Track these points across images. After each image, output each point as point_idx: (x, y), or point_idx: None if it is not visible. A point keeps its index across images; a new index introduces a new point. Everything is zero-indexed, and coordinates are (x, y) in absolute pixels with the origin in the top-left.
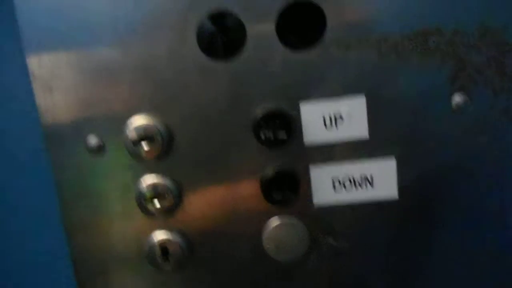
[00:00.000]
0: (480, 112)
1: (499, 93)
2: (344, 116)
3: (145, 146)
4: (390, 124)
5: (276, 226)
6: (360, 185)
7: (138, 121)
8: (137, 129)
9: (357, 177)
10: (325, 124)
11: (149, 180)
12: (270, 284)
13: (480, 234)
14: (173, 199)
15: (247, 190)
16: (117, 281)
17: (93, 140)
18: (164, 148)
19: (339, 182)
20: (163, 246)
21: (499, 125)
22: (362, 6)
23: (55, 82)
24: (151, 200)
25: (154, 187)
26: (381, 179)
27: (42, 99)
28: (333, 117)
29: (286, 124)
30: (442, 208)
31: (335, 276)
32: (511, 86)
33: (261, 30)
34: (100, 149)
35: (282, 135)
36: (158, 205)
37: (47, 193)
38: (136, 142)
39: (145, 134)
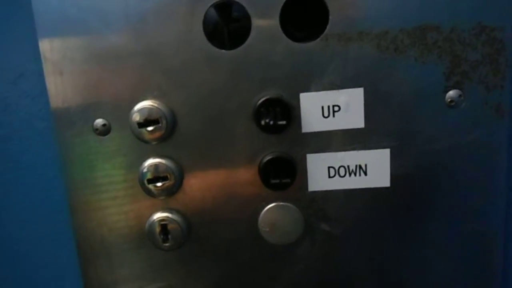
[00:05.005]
0: (473, 108)
1: (492, 90)
2: (342, 106)
3: (149, 128)
4: (385, 116)
5: (272, 210)
6: (354, 173)
7: (144, 104)
8: (142, 111)
9: (352, 165)
10: (323, 114)
11: (151, 161)
12: (263, 266)
13: (466, 226)
14: (174, 181)
15: (246, 174)
16: (118, 259)
17: (100, 122)
18: (167, 131)
19: (334, 169)
20: (163, 224)
21: (491, 121)
22: (364, 1)
23: (66, 65)
24: (152, 181)
25: (156, 168)
26: (375, 168)
27: (52, 81)
28: (331, 107)
29: (286, 111)
30: (431, 198)
31: (327, 261)
32: (504, 83)
33: (265, 21)
34: (106, 131)
35: (281, 122)
36: (159, 185)
37: (53, 172)
38: (141, 124)
39: (150, 117)
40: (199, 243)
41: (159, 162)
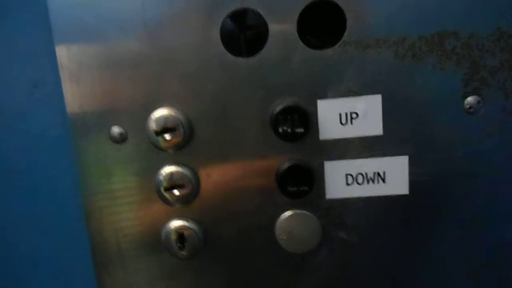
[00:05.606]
0: (491, 114)
1: (511, 96)
2: (359, 113)
3: (166, 136)
4: (403, 123)
5: (290, 218)
6: (372, 180)
7: (161, 112)
8: (159, 119)
9: (370, 172)
10: (340, 121)
11: (168, 169)
12: (280, 274)
13: (486, 234)
14: (191, 189)
15: (263, 182)
16: (133, 265)
17: (116, 130)
18: (184, 139)
19: (352, 177)
20: (180, 233)
21: (509, 128)
22: (381, 7)
23: (83, 73)
24: (169, 189)
25: (172, 176)
26: (393, 175)
27: (69, 89)
28: (348, 114)
29: (303, 119)
30: (450, 205)
31: (344, 269)
32: None
33: (282, 28)
34: (122, 138)
35: (299, 129)
36: (176, 193)
37: (69, 178)
38: (158, 132)
39: (167, 125)
40: (215, 251)
41: (176, 170)
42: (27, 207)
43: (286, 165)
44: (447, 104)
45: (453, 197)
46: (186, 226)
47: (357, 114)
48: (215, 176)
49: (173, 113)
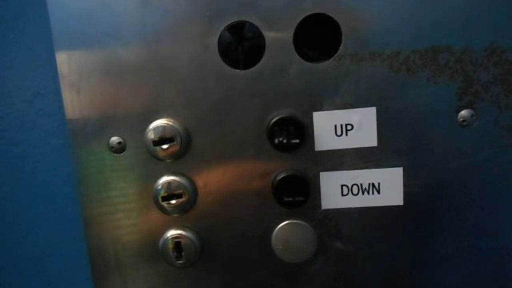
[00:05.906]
0: (485, 128)
1: (504, 110)
2: (354, 125)
3: (164, 146)
4: (398, 135)
5: (285, 228)
6: (367, 191)
7: (159, 122)
8: (157, 129)
9: (365, 183)
10: (336, 132)
11: (165, 178)
12: (276, 283)
13: (479, 245)
14: (188, 198)
15: (259, 192)
16: (131, 275)
17: (115, 139)
18: (181, 149)
19: (347, 188)
20: (177, 241)
21: (502, 141)
22: (376, 21)
23: (82, 83)
24: (166, 198)
25: (170, 185)
26: (388, 186)
27: (69, 98)
28: (344, 126)
29: (299, 130)
30: (444, 217)
31: (340, 279)
32: None
33: (279, 41)
34: (121, 148)
35: (294, 140)
36: (173, 202)
37: (68, 186)
38: (156, 143)
39: (165, 135)
40: (212, 260)
41: (173, 179)
42: (26, 214)
43: (282, 175)
44: (441, 117)
45: (447, 209)
46: (183, 235)
47: (352, 126)
48: (212, 186)
49: (170, 123)
